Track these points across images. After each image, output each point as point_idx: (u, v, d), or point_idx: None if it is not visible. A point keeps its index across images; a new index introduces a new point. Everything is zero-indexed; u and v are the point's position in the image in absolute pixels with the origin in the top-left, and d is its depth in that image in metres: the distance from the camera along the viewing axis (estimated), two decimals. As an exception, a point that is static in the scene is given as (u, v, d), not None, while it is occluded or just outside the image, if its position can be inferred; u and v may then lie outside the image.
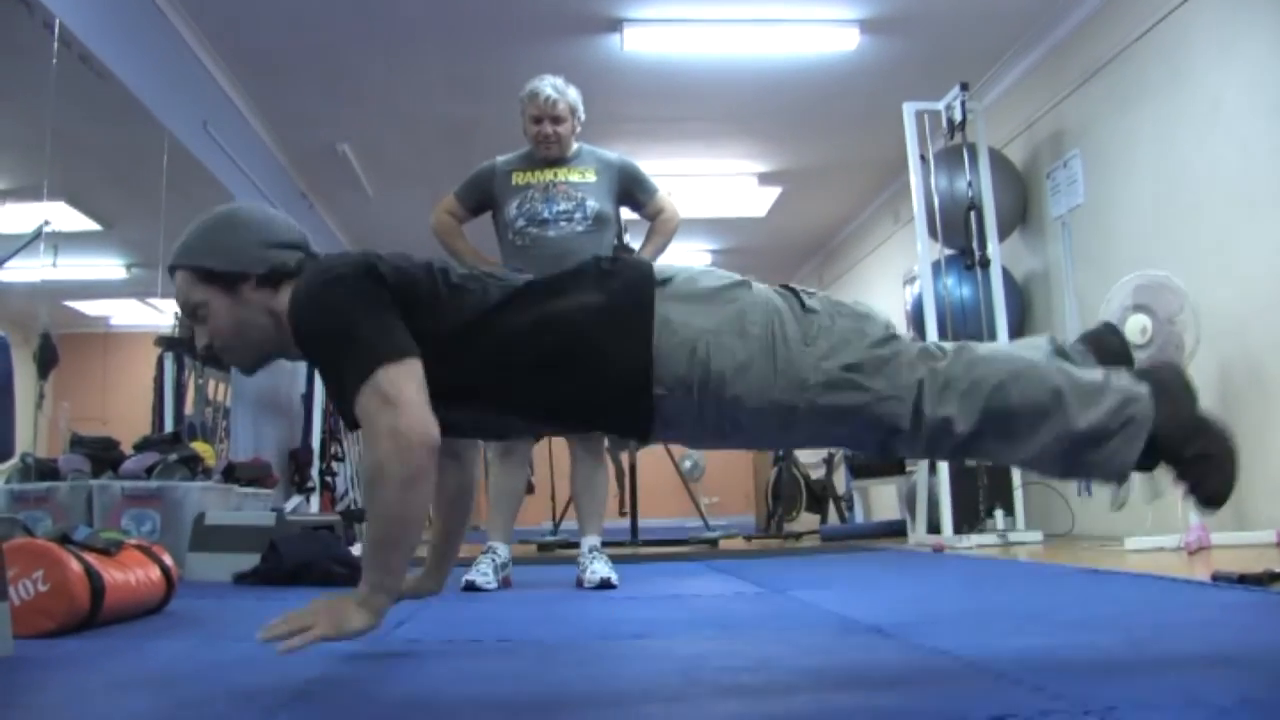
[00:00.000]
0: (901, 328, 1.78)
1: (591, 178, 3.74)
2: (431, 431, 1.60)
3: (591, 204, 3.68)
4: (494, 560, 3.47)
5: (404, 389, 1.59)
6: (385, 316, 1.65)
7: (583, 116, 3.80)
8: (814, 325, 1.66)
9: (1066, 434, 1.65)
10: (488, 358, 1.69)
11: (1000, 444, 1.68)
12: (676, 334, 1.64)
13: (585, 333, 1.67)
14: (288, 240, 1.81)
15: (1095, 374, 1.69)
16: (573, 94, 3.76)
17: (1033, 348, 1.77)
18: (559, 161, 3.74)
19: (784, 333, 1.65)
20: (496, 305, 1.71)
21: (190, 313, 1.81)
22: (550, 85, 3.71)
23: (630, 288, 1.70)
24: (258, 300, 1.77)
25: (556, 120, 3.70)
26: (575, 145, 3.80)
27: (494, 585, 3.40)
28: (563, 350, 1.68)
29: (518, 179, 3.74)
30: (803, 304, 1.68)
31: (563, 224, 3.66)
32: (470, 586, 3.33)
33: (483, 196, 3.82)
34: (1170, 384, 1.69)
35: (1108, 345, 1.82)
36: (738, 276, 1.76)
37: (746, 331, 1.64)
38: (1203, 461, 1.65)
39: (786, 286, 1.74)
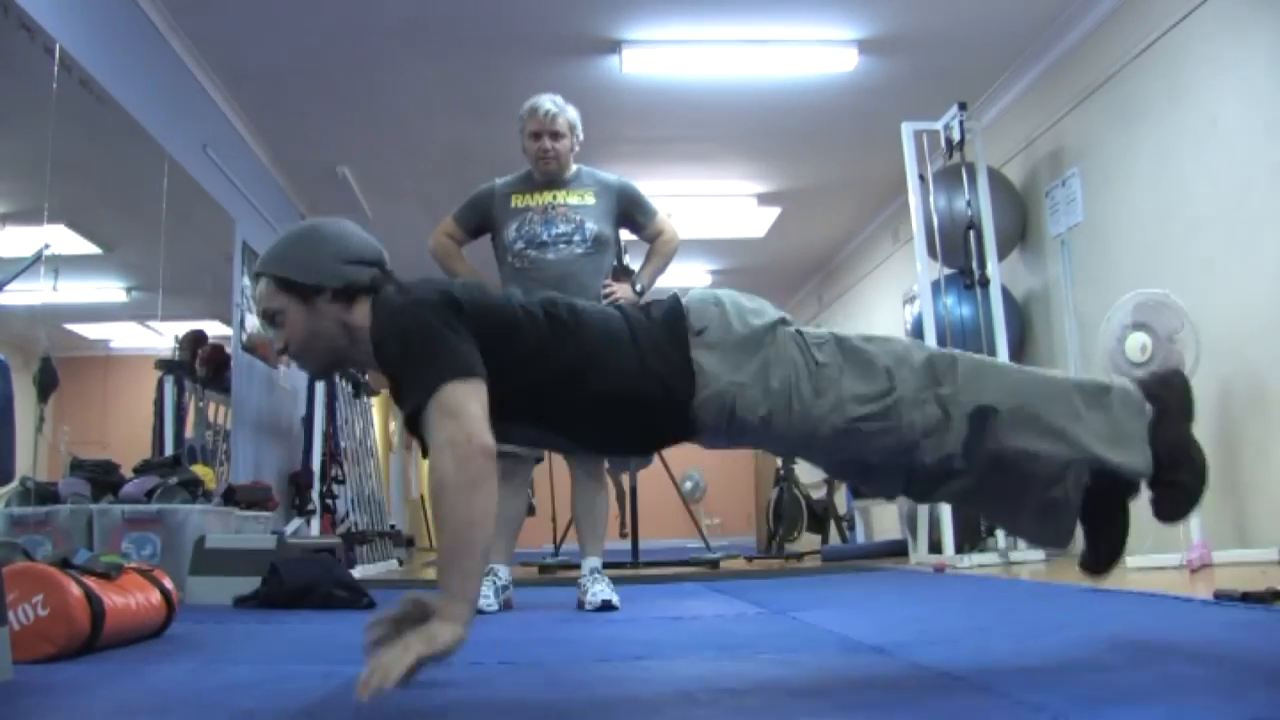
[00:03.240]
0: (906, 342, 1.92)
1: (590, 200, 3.74)
2: (487, 439, 1.68)
3: (591, 226, 3.69)
4: (495, 582, 3.46)
5: (465, 403, 1.68)
6: (458, 339, 1.74)
7: (581, 136, 3.81)
8: (824, 379, 1.82)
9: (1065, 461, 1.82)
10: (549, 382, 1.82)
11: (998, 477, 1.86)
12: (709, 385, 1.81)
13: (631, 381, 1.82)
14: (364, 257, 1.89)
15: (1103, 398, 1.87)
16: (572, 112, 3.77)
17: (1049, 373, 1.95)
18: (558, 184, 3.74)
19: (799, 388, 1.81)
20: (561, 338, 1.83)
21: (269, 318, 1.89)
22: (550, 100, 3.73)
23: (668, 344, 1.84)
24: (332, 312, 1.86)
25: (555, 135, 3.71)
26: (574, 167, 3.80)
27: (495, 607, 3.40)
28: (609, 387, 1.82)
29: (517, 201, 3.74)
30: (815, 359, 1.83)
31: (561, 246, 3.66)
32: (471, 609, 3.32)
33: (481, 219, 3.82)
34: (1172, 406, 1.88)
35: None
36: (769, 319, 1.88)
37: (769, 386, 1.81)
38: (1174, 488, 1.87)
39: (799, 332, 1.88)
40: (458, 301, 1.79)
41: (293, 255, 1.88)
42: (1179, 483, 1.86)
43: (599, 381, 1.82)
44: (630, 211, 3.84)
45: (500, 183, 3.83)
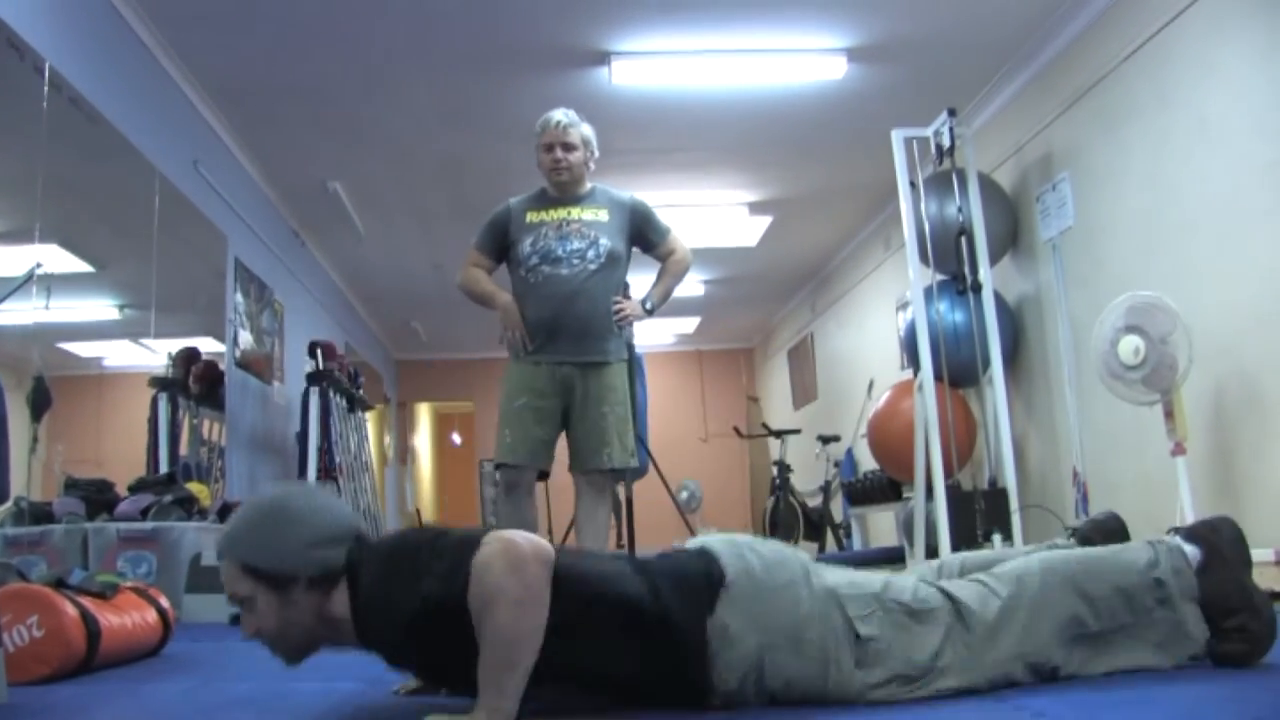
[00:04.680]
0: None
1: (604, 216, 3.77)
2: (545, 545, 1.58)
3: (605, 242, 3.71)
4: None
5: (509, 537, 1.57)
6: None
7: (596, 154, 3.85)
8: (868, 651, 1.66)
9: (1110, 640, 1.70)
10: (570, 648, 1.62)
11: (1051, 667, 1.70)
12: (734, 647, 1.63)
13: (648, 638, 1.65)
14: (337, 534, 1.70)
15: (1138, 562, 1.75)
16: (586, 128, 3.83)
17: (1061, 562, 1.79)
18: (572, 200, 3.77)
19: (838, 656, 1.65)
20: (590, 598, 1.65)
21: (237, 601, 1.70)
22: (562, 112, 3.81)
23: (691, 598, 1.67)
24: (307, 602, 1.66)
25: (568, 147, 3.74)
26: (588, 184, 3.83)
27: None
28: (630, 645, 1.66)
29: (531, 217, 3.77)
30: (857, 634, 1.66)
31: (575, 262, 3.68)
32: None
33: (502, 237, 3.82)
34: (1222, 548, 1.76)
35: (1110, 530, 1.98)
36: (800, 565, 1.73)
37: (801, 648, 1.64)
38: (1238, 634, 1.71)
39: (837, 594, 1.71)
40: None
41: (260, 540, 1.68)
42: (1244, 628, 1.71)
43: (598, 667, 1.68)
44: (643, 229, 3.87)
45: (515, 201, 3.85)
